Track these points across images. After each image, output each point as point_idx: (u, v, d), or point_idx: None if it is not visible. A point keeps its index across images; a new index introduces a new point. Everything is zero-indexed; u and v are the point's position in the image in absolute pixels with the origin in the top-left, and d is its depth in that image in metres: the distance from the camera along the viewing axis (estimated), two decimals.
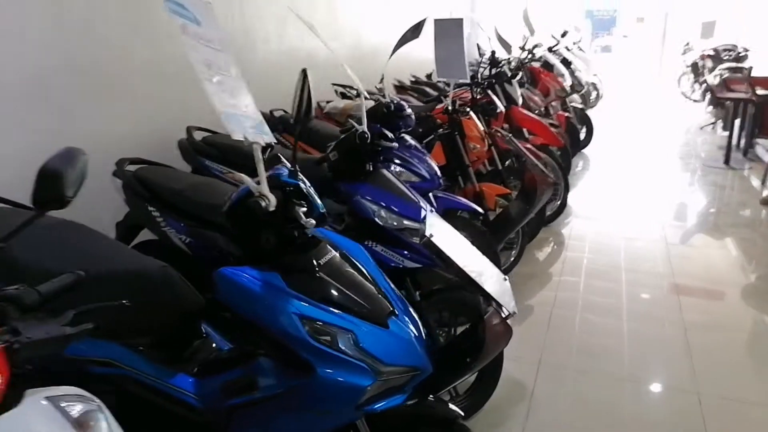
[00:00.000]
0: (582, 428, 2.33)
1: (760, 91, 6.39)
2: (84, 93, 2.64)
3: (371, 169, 2.24)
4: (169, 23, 1.19)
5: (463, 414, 1.61)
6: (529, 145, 4.14)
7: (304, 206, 1.37)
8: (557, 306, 3.29)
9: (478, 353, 1.79)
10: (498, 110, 4.02)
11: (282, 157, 1.51)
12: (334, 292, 1.40)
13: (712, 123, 8.87)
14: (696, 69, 10.38)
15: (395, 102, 2.84)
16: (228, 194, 1.53)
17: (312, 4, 4.98)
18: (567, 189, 4.66)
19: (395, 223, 2.10)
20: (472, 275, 1.71)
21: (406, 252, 2.15)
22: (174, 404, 1.56)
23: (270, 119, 3.78)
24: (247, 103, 1.33)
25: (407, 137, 3.02)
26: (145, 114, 3.05)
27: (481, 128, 3.56)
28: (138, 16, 2.94)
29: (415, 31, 2.77)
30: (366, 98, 2.09)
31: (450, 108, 3.39)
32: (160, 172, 2.48)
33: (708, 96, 7.73)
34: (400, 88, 5.65)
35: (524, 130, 4.93)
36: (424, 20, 2.92)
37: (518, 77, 4.59)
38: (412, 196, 2.19)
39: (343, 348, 1.32)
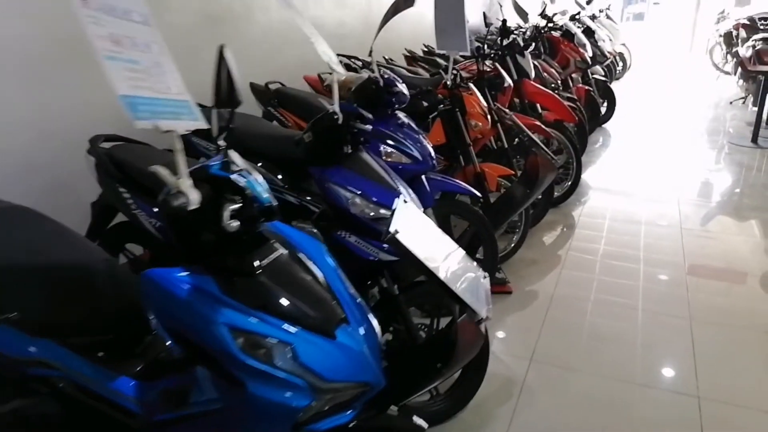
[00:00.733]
0: (571, 430, 2.19)
1: None
2: (65, 62, 2.52)
3: (349, 151, 2.07)
4: None
5: (426, 426, 1.47)
6: (537, 123, 3.91)
7: (236, 202, 1.22)
8: (556, 298, 3.11)
9: (449, 359, 1.65)
10: (505, 84, 3.78)
11: (233, 155, 1.35)
12: (275, 299, 1.26)
13: (743, 98, 8.42)
14: (729, 39, 9.82)
15: (385, 77, 2.64)
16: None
17: None
18: (579, 168, 4.42)
19: (371, 213, 1.94)
20: (442, 276, 1.55)
21: (384, 244, 1.99)
22: (114, 410, 1.46)
23: (264, 92, 3.62)
24: (170, 85, 1.17)
25: (401, 115, 2.83)
26: None
27: (484, 104, 3.33)
28: None
29: None
30: (339, 74, 1.90)
31: (449, 82, 3.17)
32: (134, 151, 2.35)
33: (739, 69, 7.29)
34: (411, 59, 5.40)
35: (537, 105, 4.69)
36: None
37: (531, 48, 4.31)
38: (392, 183, 2.02)
39: (278, 363, 1.19)
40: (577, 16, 6.94)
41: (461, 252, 1.79)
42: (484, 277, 1.81)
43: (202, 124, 1.22)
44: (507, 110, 3.66)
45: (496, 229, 3.11)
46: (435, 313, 2.27)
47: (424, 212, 2.75)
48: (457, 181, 2.94)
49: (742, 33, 8.70)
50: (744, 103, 8.32)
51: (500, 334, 2.82)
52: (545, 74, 5.16)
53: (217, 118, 1.52)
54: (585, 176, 5.19)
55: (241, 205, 1.22)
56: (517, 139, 4.21)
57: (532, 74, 4.36)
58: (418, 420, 1.47)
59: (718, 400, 2.31)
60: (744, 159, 5.84)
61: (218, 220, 1.17)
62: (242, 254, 1.28)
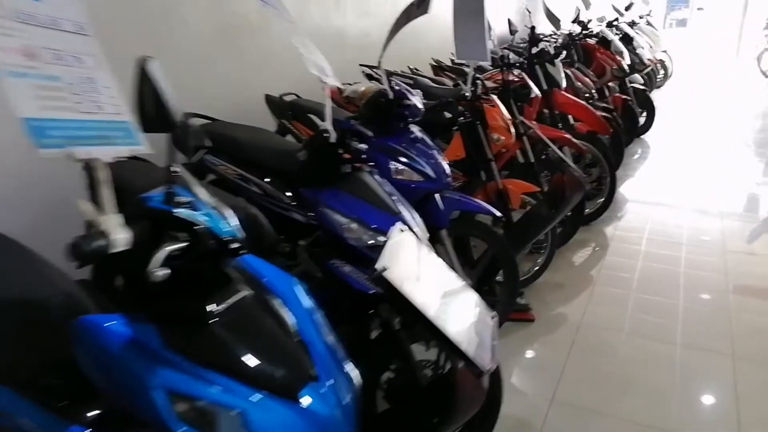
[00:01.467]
0: None
1: None
2: None
3: (349, 171, 1.87)
4: None
5: None
6: (566, 135, 3.64)
7: (180, 240, 1.02)
8: (584, 328, 2.83)
9: (446, 414, 1.42)
10: (532, 95, 3.52)
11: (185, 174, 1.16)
12: (230, 354, 1.06)
13: None
14: None
15: (396, 89, 2.44)
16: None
17: None
18: (614, 183, 4.11)
19: (368, 240, 1.73)
20: (438, 322, 1.33)
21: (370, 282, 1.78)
22: None
23: (279, 104, 3.46)
24: (103, 104, 0.99)
25: (414, 129, 2.61)
26: None
27: (507, 117, 3.09)
28: None
29: (421, 5, 2.34)
30: (331, 88, 1.70)
31: (469, 94, 2.94)
32: (132, 169, 2.22)
33: None
34: (438, 68, 5.18)
35: (569, 116, 4.41)
36: None
37: (562, 56, 4.04)
38: (394, 207, 1.81)
39: None
40: (614, 23, 6.60)
41: (467, 290, 1.56)
42: (493, 317, 1.58)
43: (141, 149, 1.04)
44: (531, 123, 3.40)
45: (518, 252, 2.86)
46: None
47: (438, 233, 2.56)
48: (475, 199, 2.70)
49: None
50: None
51: (518, 369, 2.56)
52: (578, 83, 4.87)
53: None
54: (620, 191, 4.86)
55: (186, 243, 1.03)
56: (544, 154, 3.94)
57: (563, 84, 4.08)
58: None
59: None
60: None
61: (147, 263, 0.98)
62: (196, 297, 1.09)
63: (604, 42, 5.75)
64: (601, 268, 3.47)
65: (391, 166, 2.46)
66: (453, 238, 2.85)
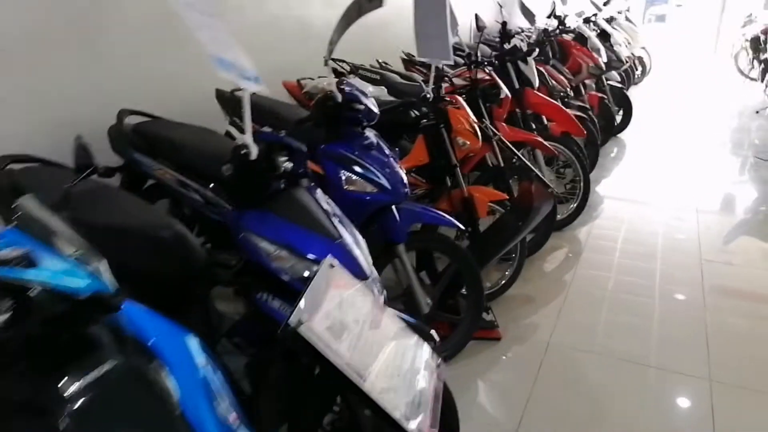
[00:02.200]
0: None
1: None
2: None
3: (284, 187, 1.62)
4: None
5: None
6: (537, 138, 3.42)
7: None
8: (553, 347, 2.63)
9: None
10: (502, 95, 3.30)
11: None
12: None
13: None
14: (756, 44, 9.17)
15: (347, 91, 2.19)
16: None
17: None
18: (588, 187, 3.91)
19: (303, 271, 1.49)
20: (365, 385, 1.10)
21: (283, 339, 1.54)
22: None
23: (230, 100, 3.18)
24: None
25: (370, 134, 2.37)
26: (69, 94, 2.51)
27: (473, 119, 2.86)
28: None
29: None
30: (250, 91, 1.44)
31: (430, 95, 2.70)
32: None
33: (767, 76, 6.70)
34: (408, 62, 4.92)
35: (543, 116, 4.20)
36: None
37: (535, 53, 3.82)
38: (333, 230, 1.56)
39: None
40: (591, 19, 6.40)
41: (410, 338, 1.33)
42: (439, 366, 1.35)
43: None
44: (500, 125, 3.18)
45: (483, 266, 2.64)
46: None
47: (395, 248, 2.32)
48: (436, 211, 2.48)
49: None
50: None
51: (481, 395, 2.35)
52: (553, 82, 4.66)
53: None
54: (596, 192, 4.68)
55: (9, 314, 0.78)
56: (514, 158, 3.73)
57: (536, 83, 3.86)
58: None
59: None
60: None
61: None
62: (42, 375, 0.84)
63: (580, 38, 5.55)
64: (573, 279, 3.27)
65: (342, 176, 2.22)
66: (417, 250, 2.64)
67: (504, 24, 3.67)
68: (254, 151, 1.40)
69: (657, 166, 5.61)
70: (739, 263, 3.48)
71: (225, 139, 2.66)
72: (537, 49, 3.83)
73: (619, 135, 6.43)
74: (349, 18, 2.10)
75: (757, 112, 7.94)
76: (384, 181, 2.24)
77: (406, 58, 4.90)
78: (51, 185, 1.87)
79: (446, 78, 3.44)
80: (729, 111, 8.36)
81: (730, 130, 7.23)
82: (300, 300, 1.10)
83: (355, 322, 1.19)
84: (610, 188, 4.94)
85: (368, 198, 2.23)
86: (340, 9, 4.65)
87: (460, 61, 3.51)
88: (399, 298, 2.46)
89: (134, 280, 1.69)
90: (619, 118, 6.39)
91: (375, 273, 1.65)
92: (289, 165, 1.46)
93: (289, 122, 2.80)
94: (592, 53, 5.50)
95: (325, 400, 1.60)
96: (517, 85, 3.79)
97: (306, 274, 1.51)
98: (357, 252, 1.58)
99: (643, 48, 9.50)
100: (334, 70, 4.15)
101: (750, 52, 9.76)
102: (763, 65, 7.70)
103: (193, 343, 1.05)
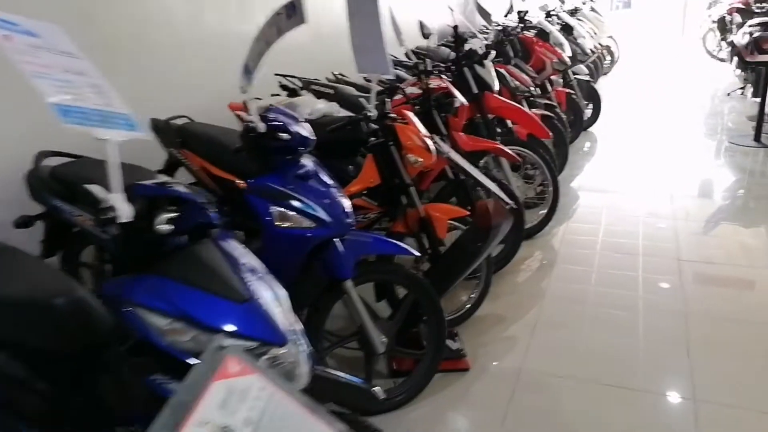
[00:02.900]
0: None
1: None
2: None
3: (185, 243, 1.39)
4: None
5: None
6: (497, 145, 3.23)
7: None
8: (526, 374, 2.42)
9: None
10: (457, 104, 3.09)
11: None
12: None
13: (741, 88, 7.67)
14: (723, 25, 9.08)
15: (270, 119, 1.96)
16: None
17: None
18: (557, 191, 3.73)
19: (205, 346, 1.26)
20: None
21: None
22: None
23: (165, 130, 2.95)
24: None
25: (307, 161, 2.15)
26: None
27: (424, 133, 2.65)
28: None
29: (293, 15, 1.87)
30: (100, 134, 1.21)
31: (372, 113, 2.48)
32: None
33: (736, 58, 6.56)
34: None
35: (508, 121, 4.01)
36: None
37: (491, 55, 3.62)
38: (243, 290, 1.34)
39: None
40: (552, 12, 6.24)
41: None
42: None
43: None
44: (457, 135, 2.98)
45: (443, 294, 2.43)
46: None
47: (342, 285, 2.11)
48: (386, 239, 2.27)
49: (737, 18, 7.97)
50: (743, 93, 7.57)
51: None
52: (516, 82, 4.47)
53: None
54: (568, 191, 4.50)
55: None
56: (483, 165, 3.53)
57: (496, 86, 3.67)
58: None
59: None
60: (747, 162, 5.12)
61: None
62: None
63: (542, 34, 5.37)
64: (547, 293, 3.07)
65: (272, 212, 2.00)
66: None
67: (455, 28, 3.47)
68: (125, 213, 1.16)
69: (630, 158, 5.45)
70: (720, 261, 3.30)
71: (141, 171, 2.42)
72: (493, 51, 3.63)
73: (589, 129, 6.27)
74: (267, 39, 1.88)
75: (729, 94, 7.83)
76: (322, 214, 2.03)
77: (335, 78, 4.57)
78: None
79: (399, 89, 3.23)
80: (700, 94, 8.25)
81: (704, 114, 7.11)
82: (164, 411, 0.87)
83: (246, 425, 0.96)
84: (583, 187, 4.77)
85: (305, 234, 2.02)
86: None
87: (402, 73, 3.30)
88: (352, 337, 2.25)
89: (33, 359, 1.47)
90: (589, 112, 6.24)
91: (297, 332, 1.43)
92: (166, 228, 1.22)
93: (223, 147, 2.59)
94: (555, 48, 5.33)
95: None
96: (476, 90, 3.59)
97: (227, 340, 1.29)
98: (274, 311, 1.36)
99: (610, 37, 9.38)
100: (285, 87, 3.94)
101: (717, 33, 9.68)
102: (730, 46, 7.58)
103: None
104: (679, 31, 15.06)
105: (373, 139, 2.62)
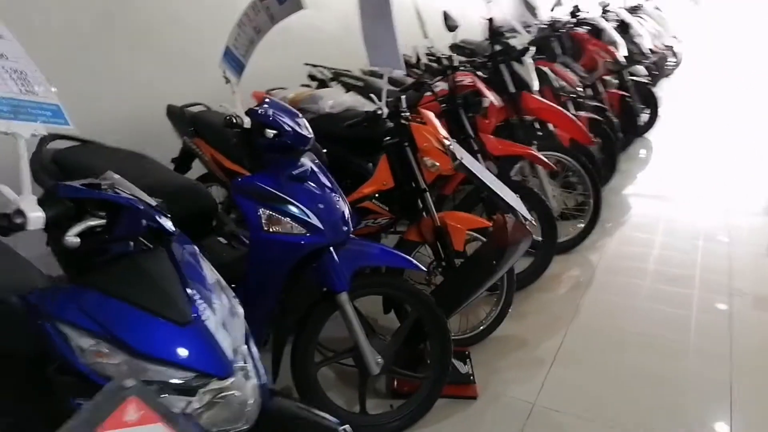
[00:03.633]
0: None
1: None
2: None
3: (132, 249, 1.23)
4: None
5: None
6: (529, 150, 2.96)
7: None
8: (537, 413, 2.15)
9: None
10: (485, 104, 2.84)
11: None
12: None
13: None
14: None
15: (259, 113, 1.77)
16: None
17: None
18: (598, 204, 3.40)
19: (137, 372, 1.09)
20: None
21: None
22: None
23: (180, 117, 2.84)
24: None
25: (306, 161, 1.96)
26: None
27: (443, 135, 2.41)
28: None
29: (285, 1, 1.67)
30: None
31: (384, 110, 2.26)
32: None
33: None
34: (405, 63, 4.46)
35: (549, 124, 3.71)
36: None
37: (531, 52, 3.34)
38: (186, 310, 1.16)
39: None
40: (609, 9, 5.82)
41: None
42: None
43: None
44: (485, 138, 2.73)
45: (450, 315, 2.20)
46: None
47: (337, 298, 1.91)
48: (390, 249, 2.06)
49: None
50: None
51: None
52: (561, 81, 4.15)
53: None
54: (613, 203, 4.15)
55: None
56: (517, 172, 3.27)
57: (535, 85, 3.38)
58: None
59: None
60: None
61: None
62: None
63: (595, 31, 4.99)
64: (576, 316, 2.78)
65: (261, 215, 1.82)
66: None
67: (490, 20, 3.20)
68: (34, 220, 1.00)
69: (687, 168, 5.02)
70: None
71: (159, 168, 2.30)
72: (532, 48, 3.33)
73: (645, 135, 5.83)
74: (259, 27, 1.70)
75: None
76: (314, 220, 1.83)
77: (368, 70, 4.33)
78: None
79: (427, 86, 3.00)
80: None
81: None
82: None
83: None
84: (631, 198, 4.40)
85: (295, 240, 1.83)
86: (325, 11, 4.21)
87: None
88: (347, 353, 2.05)
89: None
90: (645, 117, 5.80)
91: (250, 360, 1.24)
92: (73, 241, 1.04)
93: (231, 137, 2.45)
94: (609, 47, 4.95)
95: None
96: (512, 89, 3.31)
97: (140, 378, 1.11)
98: (221, 336, 1.18)
99: (675, 36, 8.77)
100: (313, 77, 3.78)
101: None
102: None
103: None
104: (752, 30, 14.04)
105: (387, 138, 2.41)
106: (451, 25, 2.72)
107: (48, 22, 2.51)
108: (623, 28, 5.56)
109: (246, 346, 1.28)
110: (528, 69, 3.34)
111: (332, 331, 2.03)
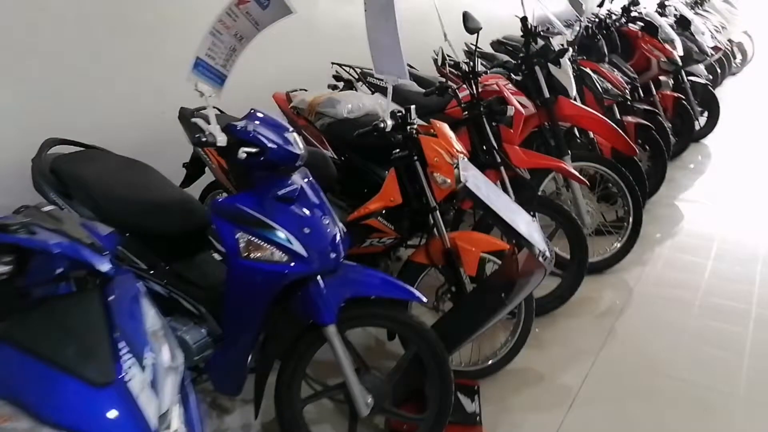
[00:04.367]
0: None
1: None
2: None
3: (65, 291, 1.09)
4: None
5: None
6: (560, 164, 2.69)
7: None
8: None
9: None
10: (509, 113, 2.58)
11: None
12: None
13: None
14: None
15: (238, 129, 1.60)
16: None
17: None
18: (638, 223, 3.09)
19: None
20: None
21: None
22: None
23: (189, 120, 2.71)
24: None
25: (297, 177, 1.78)
26: None
27: (458, 149, 2.18)
28: None
29: (266, 2, 1.48)
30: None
31: (387, 124, 2.05)
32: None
33: None
34: (443, 65, 4.19)
35: (591, 134, 3.42)
36: None
37: (568, 54, 3.04)
38: (109, 370, 1.00)
39: None
40: (667, 3, 5.36)
41: None
42: None
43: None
44: (511, 149, 2.48)
45: (453, 350, 1.98)
46: None
47: (324, 332, 1.74)
48: (387, 277, 1.87)
49: None
50: None
51: None
52: (607, 84, 3.82)
53: None
54: (658, 217, 3.80)
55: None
56: (546, 182, 3.00)
57: (573, 90, 3.08)
58: None
59: None
60: None
61: None
62: None
63: (650, 28, 4.58)
64: (603, 348, 2.51)
65: (239, 240, 1.66)
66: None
67: (524, 19, 2.92)
68: None
69: (747, 179, 4.55)
70: None
71: (157, 179, 2.19)
72: (570, 48, 3.03)
73: (702, 140, 5.37)
74: (242, 34, 1.52)
75: None
76: (297, 247, 1.66)
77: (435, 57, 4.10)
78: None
79: (450, 92, 2.77)
80: None
81: None
82: None
83: None
84: (679, 212, 4.02)
85: (275, 269, 1.66)
86: (355, 6, 3.99)
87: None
88: (338, 389, 1.87)
89: None
90: (703, 121, 5.34)
91: (183, 422, 1.09)
92: None
93: None
94: (664, 45, 4.54)
95: None
96: (547, 94, 3.03)
97: None
98: (143, 400, 1.02)
99: (745, 32, 8.09)
100: (340, 78, 3.60)
101: None
102: None
103: None
104: None
105: (397, 150, 2.21)
106: (471, 27, 2.47)
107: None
108: (683, 24, 5.11)
109: (182, 407, 1.12)
110: (566, 72, 3.04)
111: (327, 354, 1.85)
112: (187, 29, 2.98)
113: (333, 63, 3.63)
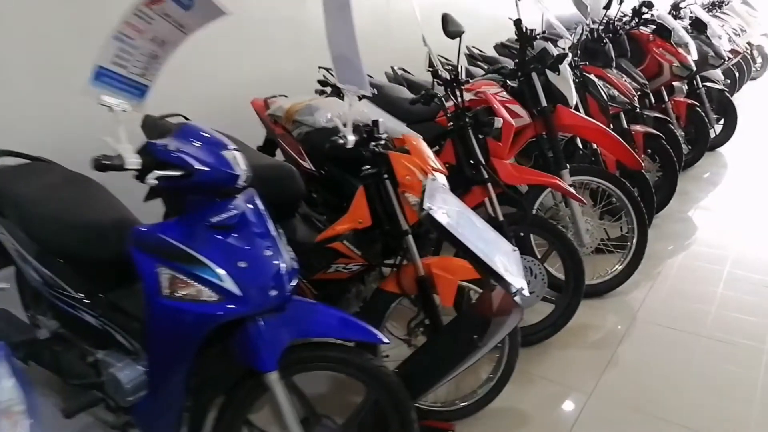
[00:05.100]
0: None
1: None
2: None
3: None
4: None
5: None
6: (554, 180, 2.40)
7: None
8: None
9: None
10: (497, 124, 2.29)
11: None
12: None
13: None
14: None
15: (158, 149, 1.34)
16: None
17: None
18: (642, 242, 2.78)
19: None
20: None
21: None
22: None
23: (154, 129, 2.47)
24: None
25: (240, 201, 1.52)
26: None
27: (434, 168, 1.90)
28: None
29: (188, 3, 1.22)
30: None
31: (349, 140, 1.78)
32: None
33: None
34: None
35: (594, 146, 3.11)
36: None
37: (568, 59, 2.73)
38: None
39: None
40: (681, 5, 4.98)
41: None
42: None
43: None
44: (501, 164, 2.19)
45: (419, 397, 1.71)
46: None
47: (263, 379, 1.49)
48: (342, 315, 1.59)
49: None
50: None
51: None
52: (614, 91, 3.49)
53: None
54: (666, 233, 3.47)
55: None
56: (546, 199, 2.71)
57: (573, 99, 2.77)
58: None
59: None
60: None
61: None
62: None
63: (662, 31, 4.23)
64: (598, 386, 2.21)
65: (160, 276, 1.40)
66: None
67: (518, 22, 2.61)
68: None
69: (765, 192, 4.18)
70: None
71: (104, 199, 1.94)
72: (569, 54, 2.73)
73: (717, 149, 4.99)
74: (167, 39, 1.27)
75: None
76: (229, 284, 1.40)
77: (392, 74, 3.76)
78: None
79: (437, 101, 2.48)
80: None
81: None
82: None
83: None
84: (689, 228, 3.67)
85: (204, 311, 1.40)
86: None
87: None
88: None
89: None
90: (719, 129, 4.96)
91: None
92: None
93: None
94: (677, 49, 4.18)
95: None
96: (544, 103, 2.73)
97: None
98: None
99: (765, 35, 7.63)
100: (325, 82, 3.34)
101: None
102: None
103: None
104: None
105: (366, 167, 1.93)
106: (452, 30, 2.18)
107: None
108: (698, 27, 4.73)
109: None
110: (565, 79, 2.74)
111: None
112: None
113: (320, 67, 3.37)
